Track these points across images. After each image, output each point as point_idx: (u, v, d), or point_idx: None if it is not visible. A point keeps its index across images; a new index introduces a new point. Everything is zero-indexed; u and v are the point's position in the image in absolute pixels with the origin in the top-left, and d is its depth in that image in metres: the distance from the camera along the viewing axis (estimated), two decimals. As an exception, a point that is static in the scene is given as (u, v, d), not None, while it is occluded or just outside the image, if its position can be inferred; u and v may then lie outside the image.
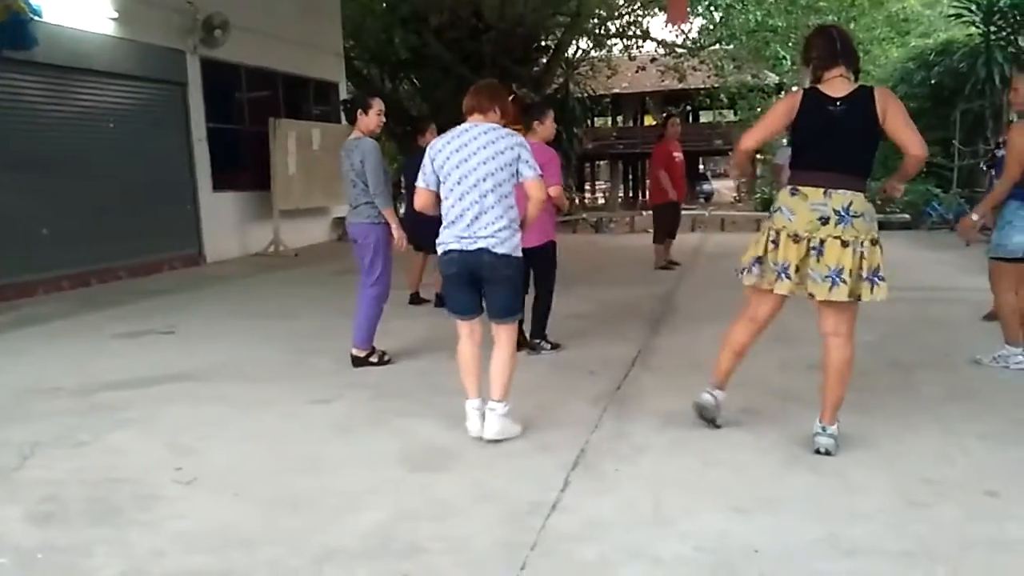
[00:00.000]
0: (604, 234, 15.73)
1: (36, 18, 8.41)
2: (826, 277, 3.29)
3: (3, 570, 2.61)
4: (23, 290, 8.48)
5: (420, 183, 3.72)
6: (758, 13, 20.53)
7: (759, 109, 24.58)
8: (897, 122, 3.29)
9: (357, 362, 5.17)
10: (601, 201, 36.07)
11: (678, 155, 9.41)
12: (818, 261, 3.31)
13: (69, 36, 9.07)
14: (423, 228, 5.43)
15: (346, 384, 4.75)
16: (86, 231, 9.33)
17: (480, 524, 2.82)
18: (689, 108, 34.61)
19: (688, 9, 15.40)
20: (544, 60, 22.71)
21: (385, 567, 2.54)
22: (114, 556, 2.66)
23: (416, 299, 7.39)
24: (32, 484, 3.32)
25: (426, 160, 3.71)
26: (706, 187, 37.18)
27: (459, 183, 3.58)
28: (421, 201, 3.76)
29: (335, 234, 14.13)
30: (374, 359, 5.21)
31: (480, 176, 3.55)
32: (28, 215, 8.70)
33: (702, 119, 36.61)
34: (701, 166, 41.78)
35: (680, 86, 26.72)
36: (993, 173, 6.44)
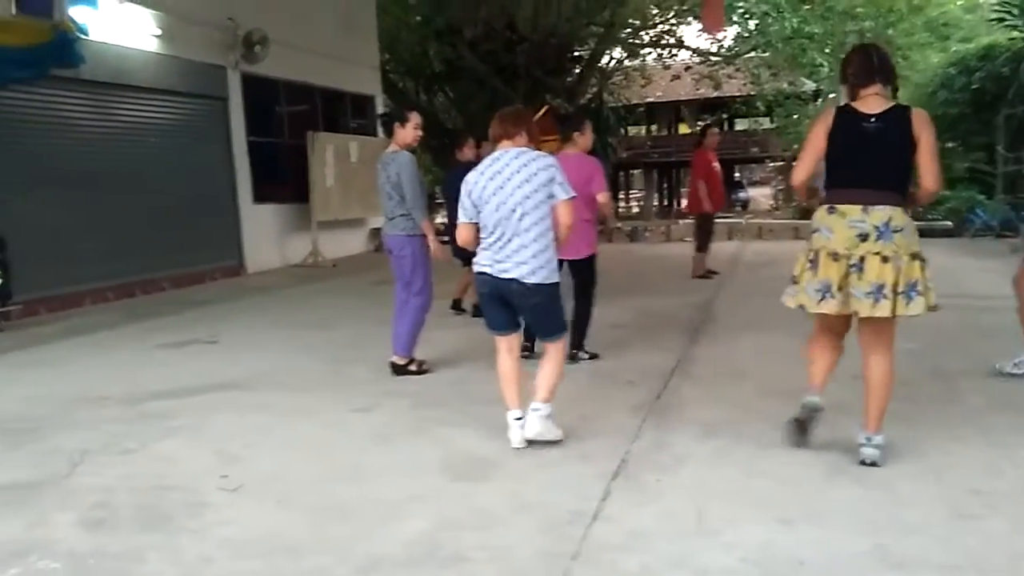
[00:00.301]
0: (639, 243, 15.67)
1: (82, 36, 8.65)
2: (868, 294, 3.25)
3: (56, 575, 2.68)
4: (70, 301, 8.69)
5: (462, 218, 3.76)
6: (794, 20, 20.34)
7: (796, 116, 24.36)
8: (926, 152, 3.29)
9: (397, 370, 5.22)
10: (635, 210, 35.95)
11: (716, 165, 9.37)
12: (859, 278, 3.27)
13: (114, 53, 9.31)
14: None
15: (385, 393, 4.79)
16: (130, 243, 9.55)
17: (522, 533, 2.83)
18: (725, 116, 34.37)
19: (723, 17, 15.33)
20: (578, 70, 22.75)
21: (430, 575, 2.56)
22: (165, 562, 2.71)
23: (457, 306, 7.44)
24: (83, 491, 3.40)
25: (463, 196, 3.74)
26: (742, 195, 36.88)
27: (496, 210, 3.62)
28: (464, 236, 3.79)
29: (372, 245, 14.26)
30: (413, 367, 5.25)
31: (517, 200, 3.59)
32: (75, 228, 8.92)
33: (738, 127, 36.33)
34: (737, 174, 41.43)
35: (715, 94, 26.57)
36: None
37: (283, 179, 12.63)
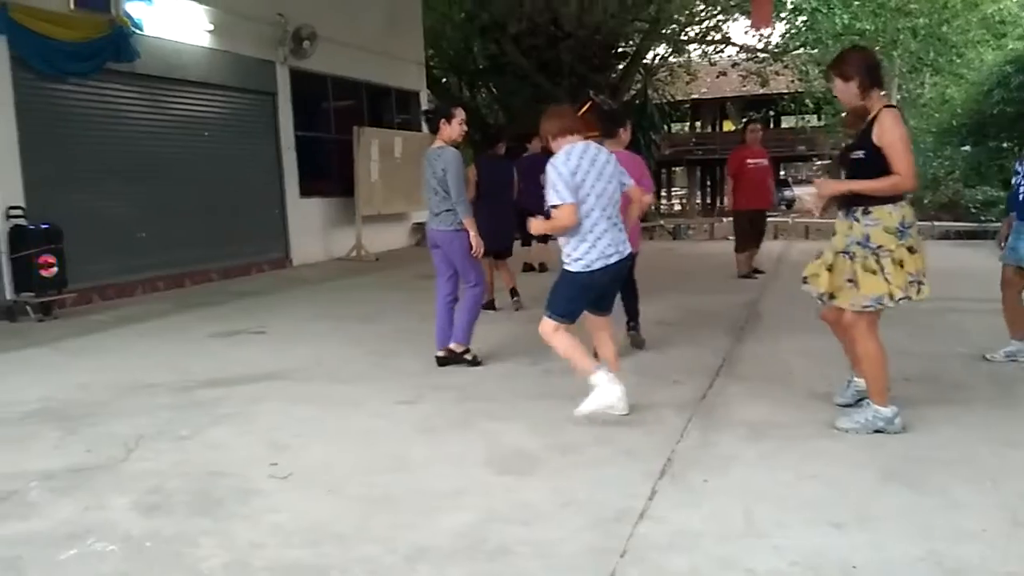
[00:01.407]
0: (682, 240, 15.54)
1: (137, 31, 8.85)
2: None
3: (113, 557, 2.75)
4: (123, 290, 8.91)
5: (568, 198, 3.76)
6: (845, 16, 19.95)
7: (844, 114, 23.91)
8: None
9: (444, 361, 5.29)
10: (677, 207, 35.65)
11: (755, 161, 9.17)
12: (924, 264, 3.60)
13: (167, 48, 9.51)
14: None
15: (430, 386, 4.82)
16: (181, 235, 9.75)
17: (568, 529, 2.83)
18: (772, 113, 33.90)
19: (772, 13, 15.11)
20: (622, 66, 22.62)
21: (476, 568, 2.57)
22: (217, 547, 2.76)
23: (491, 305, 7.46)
24: (137, 476, 3.48)
25: (565, 175, 3.77)
26: (787, 193, 36.02)
27: (598, 198, 3.81)
28: (571, 218, 3.79)
29: (414, 239, 14.36)
30: (468, 357, 5.32)
31: (612, 190, 3.90)
32: (127, 219, 9.15)
33: (784, 124, 35.81)
34: (783, 172, 40.81)
35: (762, 91, 26.21)
36: None
37: (329, 173, 12.78)
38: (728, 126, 36.54)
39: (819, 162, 34.65)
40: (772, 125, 35.91)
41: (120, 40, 8.66)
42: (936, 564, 2.51)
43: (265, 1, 10.96)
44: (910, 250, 3.53)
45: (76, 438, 4.03)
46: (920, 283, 3.57)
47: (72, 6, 8.32)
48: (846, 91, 3.61)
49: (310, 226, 12.15)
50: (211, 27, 10.11)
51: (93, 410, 4.51)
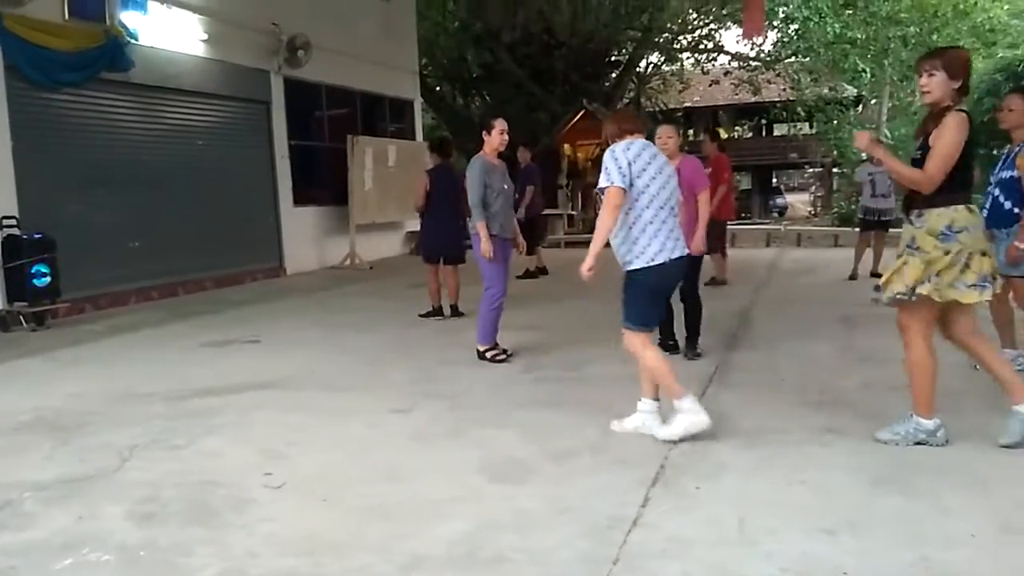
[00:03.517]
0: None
1: (132, 41, 8.87)
2: (993, 279, 3.54)
3: (108, 567, 2.75)
4: (116, 299, 8.90)
5: (618, 182, 3.73)
6: (836, 25, 20.05)
7: (836, 122, 24.02)
8: None
9: (479, 355, 5.65)
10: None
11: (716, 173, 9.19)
12: (992, 267, 3.55)
13: (162, 57, 9.53)
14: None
15: (423, 394, 4.84)
16: (174, 243, 9.75)
17: (562, 537, 2.84)
18: (764, 121, 34.04)
19: (764, 22, 15.20)
20: (615, 75, 22.73)
21: (471, 576, 2.59)
22: (212, 556, 2.77)
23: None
24: (132, 485, 3.48)
25: (621, 162, 3.75)
26: (779, 201, 36.46)
27: (657, 194, 3.82)
28: (618, 197, 3.75)
29: (408, 248, 14.37)
30: (488, 355, 5.62)
31: (672, 188, 3.92)
32: (121, 228, 9.14)
33: (776, 132, 35.96)
34: (775, 180, 40.99)
35: (754, 99, 26.34)
36: None
37: (323, 182, 12.80)
38: (721, 134, 36.66)
39: (811, 169, 34.80)
40: (764, 133, 36.04)
41: (115, 50, 8.67)
42: (926, 570, 2.53)
43: (260, 11, 10.98)
44: (947, 253, 3.43)
45: (70, 448, 4.03)
46: (983, 286, 3.48)
47: (67, 16, 8.33)
48: (943, 87, 3.45)
49: (304, 235, 12.16)
50: (206, 36, 10.14)
51: (87, 420, 4.51)
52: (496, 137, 5.57)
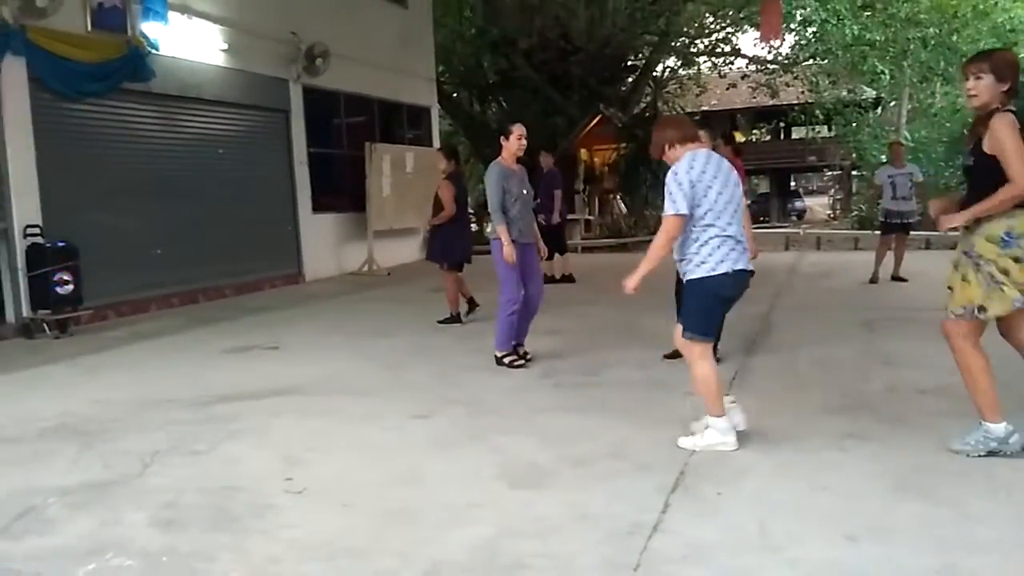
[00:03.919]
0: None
1: (153, 51, 8.97)
2: None
3: (130, 572, 2.78)
4: (137, 307, 8.99)
5: (683, 209, 3.63)
6: (855, 27, 19.91)
7: (855, 124, 23.84)
8: None
9: (497, 361, 5.66)
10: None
11: None
12: None
13: (182, 67, 9.63)
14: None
15: (443, 400, 4.85)
16: (195, 251, 9.84)
17: (582, 543, 2.83)
18: (782, 124, 33.88)
19: (781, 25, 15.14)
20: (632, 79, 22.70)
21: (491, 582, 2.59)
22: (234, 562, 2.79)
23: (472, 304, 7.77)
24: (153, 491, 3.51)
25: (684, 186, 3.63)
26: (798, 204, 36.25)
27: (726, 206, 3.71)
28: (677, 228, 3.67)
29: (425, 254, 14.39)
30: (506, 361, 5.63)
31: (738, 198, 3.82)
32: (142, 236, 9.24)
33: (795, 135, 35.79)
34: (793, 183, 40.76)
35: (772, 102, 26.22)
36: None
37: (341, 189, 12.88)
38: (739, 137, 36.49)
39: (829, 172, 34.57)
40: (782, 136, 35.88)
41: (136, 60, 8.78)
42: (951, 576, 2.51)
43: (279, 20, 11.08)
44: (1016, 260, 3.32)
45: (93, 454, 4.07)
46: None
47: (89, 27, 8.44)
48: (991, 90, 3.35)
49: (322, 241, 12.24)
50: (226, 46, 10.24)
51: (109, 426, 4.55)
52: (514, 142, 5.57)
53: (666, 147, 3.85)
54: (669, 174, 3.72)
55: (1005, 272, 3.34)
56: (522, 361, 5.65)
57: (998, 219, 3.34)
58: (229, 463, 3.86)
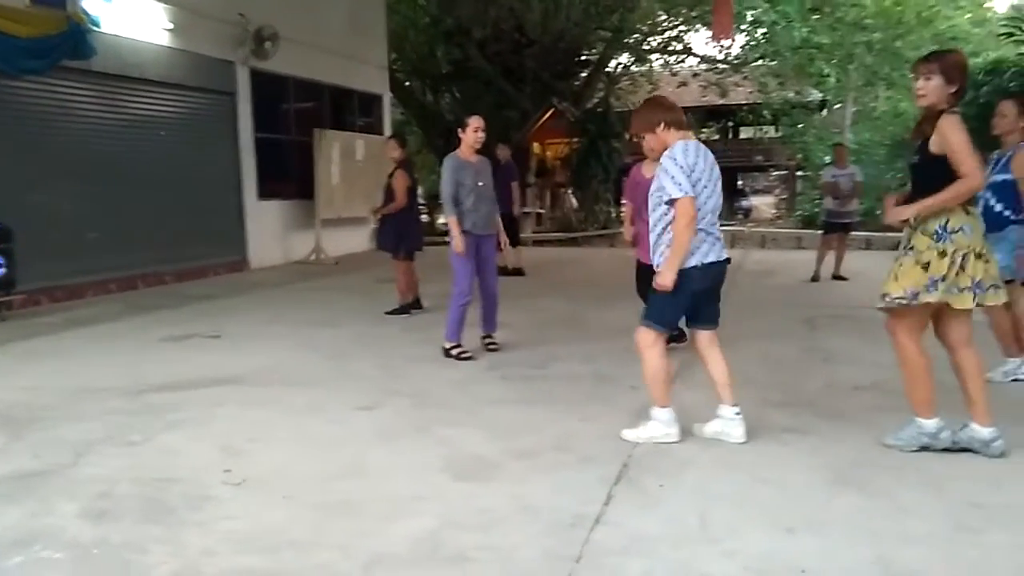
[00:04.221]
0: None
1: (94, 28, 8.67)
2: (994, 286, 3.49)
3: (60, 565, 2.69)
4: (73, 292, 8.70)
5: (690, 191, 3.58)
6: (803, 30, 20.34)
7: (801, 126, 24.36)
8: None
9: (445, 352, 5.69)
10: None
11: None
12: (987, 272, 3.47)
13: (125, 46, 9.33)
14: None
15: (388, 392, 4.80)
16: (134, 236, 9.56)
17: (525, 535, 2.84)
18: (731, 124, 34.40)
19: (732, 25, 15.34)
20: (585, 74, 22.79)
21: (433, 574, 2.56)
22: (167, 554, 2.72)
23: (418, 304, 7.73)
24: (86, 482, 3.40)
25: (685, 168, 3.60)
26: (745, 203, 36.90)
27: (707, 201, 3.69)
28: (691, 208, 3.59)
29: (374, 243, 14.26)
30: (454, 353, 5.64)
31: (719, 193, 3.79)
32: (79, 219, 8.94)
33: (742, 135, 36.38)
34: (740, 182, 41.44)
35: (722, 102, 26.59)
36: None
37: (288, 176, 12.64)
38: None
39: (775, 172, 35.25)
40: (731, 136, 36.43)
41: (77, 37, 8.45)
42: (884, 569, 2.57)
43: (226, 1, 10.81)
44: (941, 254, 3.41)
45: (23, 443, 3.93)
46: (975, 291, 3.43)
47: (28, 2, 8.12)
48: (939, 91, 3.42)
49: (268, 229, 12.01)
50: (170, 25, 9.94)
51: (41, 414, 4.40)
52: (471, 134, 5.57)
53: (660, 126, 3.76)
54: (667, 157, 3.67)
55: (925, 265, 3.44)
56: (469, 353, 5.63)
57: (935, 214, 3.44)
58: (166, 454, 3.76)
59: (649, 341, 3.80)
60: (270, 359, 5.75)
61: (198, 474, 3.46)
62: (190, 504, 3.13)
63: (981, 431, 3.55)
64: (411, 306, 7.63)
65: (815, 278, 9.52)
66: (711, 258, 3.71)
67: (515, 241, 10.20)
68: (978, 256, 3.44)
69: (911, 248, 3.51)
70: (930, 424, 3.58)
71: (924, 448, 3.57)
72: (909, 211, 3.51)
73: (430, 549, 2.73)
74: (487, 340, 5.90)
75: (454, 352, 5.61)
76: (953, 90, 3.43)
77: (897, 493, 3.16)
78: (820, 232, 10.14)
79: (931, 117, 3.46)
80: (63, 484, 3.39)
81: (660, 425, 3.79)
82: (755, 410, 4.28)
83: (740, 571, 2.56)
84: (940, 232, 3.43)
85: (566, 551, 2.70)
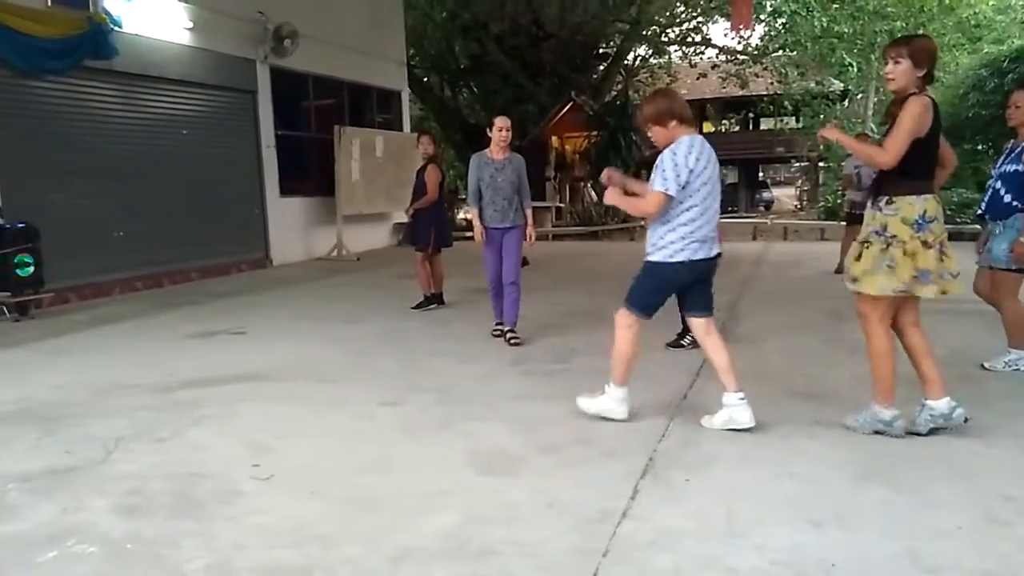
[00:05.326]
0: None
1: (116, 28, 8.76)
2: (954, 274, 3.56)
3: (93, 559, 2.73)
4: (100, 290, 8.82)
5: (671, 189, 3.65)
6: (823, 19, 20.13)
7: (822, 116, 24.11)
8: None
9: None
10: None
11: None
12: (941, 261, 3.53)
13: (146, 45, 9.43)
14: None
15: (411, 387, 4.82)
16: (159, 234, 9.67)
17: (551, 529, 2.84)
18: (751, 115, 34.12)
19: (752, 15, 15.23)
20: (603, 67, 22.71)
21: (460, 568, 2.58)
22: (199, 548, 2.75)
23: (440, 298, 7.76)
24: (117, 478, 3.45)
25: (682, 170, 3.64)
26: (766, 195, 36.64)
27: (707, 197, 3.74)
28: (656, 205, 3.70)
29: (395, 239, 14.32)
30: (495, 333, 6.19)
31: (718, 189, 3.83)
32: (105, 218, 9.06)
33: (763, 126, 36.07)
34: (761, 174, 41.14)
35: (741, 93, 26.38)
36: None
37: (309, 173, 12.74)
38: (707, 127, 36.70)
39: (797, 163, 34.94)
40: (751, 127, 36.14)
41: (98, 37, 8.56)
42: (913, 562, 2.55)
43: (245, -1, 10.90)
44: (925, 244, 3.48)
45: (54, 439, 3.99)
46: (939, 281, 3.52)
47: (50, 3, 8.22)
48: (908, 75, 3.46)
49: (290, 226, 12.10)
50: (191, 25, 10.04)
51: (71, 411, 4.46)
52: (494, 134, 5.91)
53: (670, 121, 3.75)
54: (668, 152, 3.69)
55: (913, 255, 3.48)
56: (501, 335, 6.04)
57: (912, 202, 3.49)
58: (194, 449, 3.80)
59: (626, 323, 3.94)
60: (294, 355, 5.80)
61: (227, 469, 3.50)
62: (220, 499, 3.17)
63: (938, 405, 3.64)
64: (435, 298, 7.64)
65: (839, 270, 9.43)
66: (699, 256, 3.80)
67: None
68: (927, 246, 3.52)
69: (893, 237, 3.52)
70: (886, 413, 3.67)
71: (878, 433, 3.68)
72: (834, 133, 3.73)
73: (457, 543, 2.74)
74: (508, 335, 5.94)
75: (495, 332, 6.17)
76: (921, 74, 3.49)
77: (925, 486, 3.13)
78: (843, 223, 10.05)
79: (900, 100, 3.50)
80: (95, 480, 3.44)
81: (611, 401, 4.01)
82: (780, 403, 4.27)
83: (768, 565, 2.55)
84: (920, 222, 3.49)
85: (593, 545, 2.70)
